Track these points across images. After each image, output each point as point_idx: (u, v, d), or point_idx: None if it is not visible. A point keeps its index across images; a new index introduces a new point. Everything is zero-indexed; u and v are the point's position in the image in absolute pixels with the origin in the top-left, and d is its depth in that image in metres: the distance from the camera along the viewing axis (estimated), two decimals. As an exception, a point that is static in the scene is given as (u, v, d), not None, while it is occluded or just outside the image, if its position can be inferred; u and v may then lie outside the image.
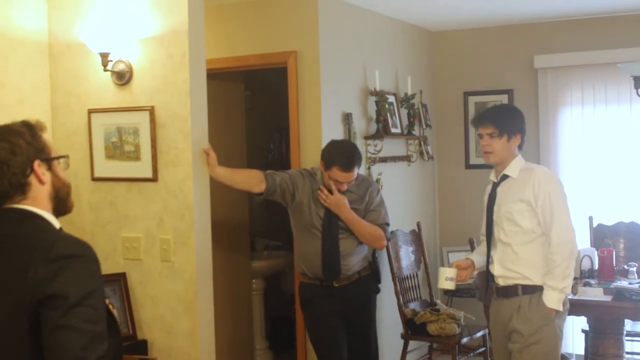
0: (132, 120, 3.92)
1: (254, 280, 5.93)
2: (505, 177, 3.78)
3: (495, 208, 3.79)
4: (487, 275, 3.90)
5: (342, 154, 4.14)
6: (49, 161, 2.05)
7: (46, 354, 1.83)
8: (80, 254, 1.91)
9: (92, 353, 1.82)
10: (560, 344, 3.72)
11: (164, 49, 3.84)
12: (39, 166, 2.01)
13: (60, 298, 1.82)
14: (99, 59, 3.88)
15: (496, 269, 3.78)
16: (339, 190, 4.18)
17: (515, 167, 3.76)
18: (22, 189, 1.99)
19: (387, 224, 4.32)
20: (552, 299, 3.61)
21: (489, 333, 4.39)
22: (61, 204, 2.07)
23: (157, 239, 3.90)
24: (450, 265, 3.99)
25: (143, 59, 3.90)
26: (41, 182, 2.01)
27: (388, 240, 4.36)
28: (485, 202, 3.89)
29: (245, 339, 5.73)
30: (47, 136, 2.10)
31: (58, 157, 2.09)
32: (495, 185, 3.82)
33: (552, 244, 3.61)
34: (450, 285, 3.85)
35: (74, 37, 4.05)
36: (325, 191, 4.15)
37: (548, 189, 3.66)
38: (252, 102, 6.40)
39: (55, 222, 2.03)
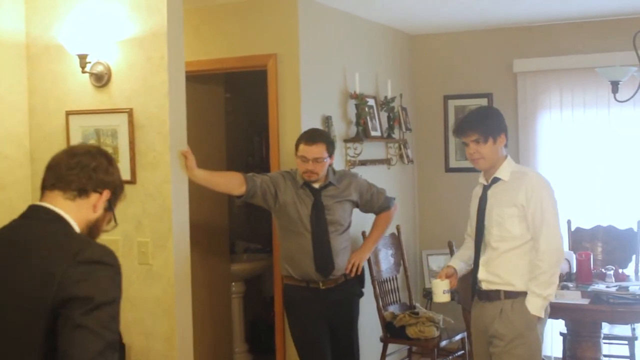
0: (111, 122, 3.90)
1: (233, 284, 5.91)
2: (496, 180, 3.74)
3: (487, 212, 3.74)
4: (472, 279, 3.87)
5: (305, 132, 4.41)
6: (112, 201, 2.11)
7: (62, 353, 1.81)
8: (109, 262, 1.93)
9: None
10: (541, 349, 3.71)
11: (142, 51, 3.82)
12: (106, 194, 2.08)
13: (85, 299, 1.83)
14: (77, 60, 3.85)
15: (480, 272, 3.76)
16: (317, 191, 4.24)
17: (506, 169, 3.73)
18: (79, 193, 2.04)
19: (386, 197, 4.56)
20: (535, 306, 3.60)
21: (469, 336, 4.38)
22: (87, 234, 2.10)
23: (135, 241, 3.88)
24: (437, 277, 3.93)
25: (122, 61, 3.87)
26: (94, 208, 2.07)
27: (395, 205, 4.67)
28: (475, 206, 3.85)
29: (224, 342, 5.71)
30: None
31: (116, 204, 2.15)
32: (486, 188, 3.78)
33: (540, 250, 3.60)
34: (447, 298, 3.84)
35: (51, 39, 4.02)
36: (350, 267, 4.36)
37: (541, 195, 3.64)
38: (232, 105, 6.39)
39: (79, 230, 2.06)
